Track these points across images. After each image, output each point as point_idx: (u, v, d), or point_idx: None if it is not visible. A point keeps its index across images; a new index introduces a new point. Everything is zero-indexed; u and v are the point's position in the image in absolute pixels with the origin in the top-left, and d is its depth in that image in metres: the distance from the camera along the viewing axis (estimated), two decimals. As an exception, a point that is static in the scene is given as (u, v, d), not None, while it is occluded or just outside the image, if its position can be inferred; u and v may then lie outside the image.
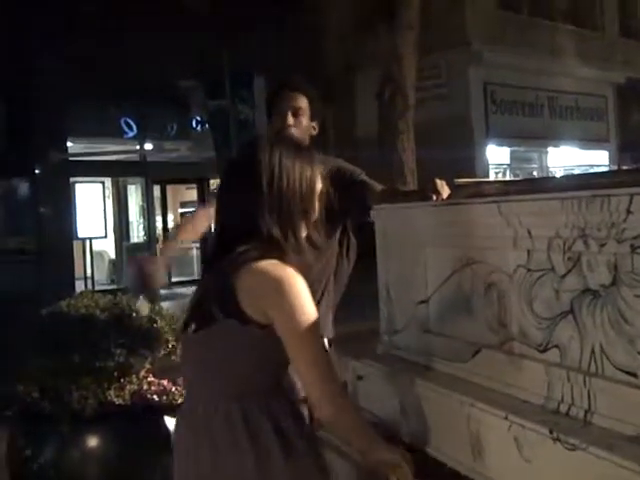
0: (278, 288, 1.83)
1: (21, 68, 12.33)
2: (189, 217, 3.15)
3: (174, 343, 3.79)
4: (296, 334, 1.82)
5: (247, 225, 1.91)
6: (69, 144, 15.17)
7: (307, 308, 1.84)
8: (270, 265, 1.85)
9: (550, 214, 1.92)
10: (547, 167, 17.28)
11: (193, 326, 1.94)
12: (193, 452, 1.92)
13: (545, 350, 2.00)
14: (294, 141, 2.07)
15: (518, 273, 2.10)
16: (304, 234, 1.97)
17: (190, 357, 1.98)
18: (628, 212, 1.69)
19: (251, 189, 1.91)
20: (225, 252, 1.91)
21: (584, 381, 1.85)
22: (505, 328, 2.17)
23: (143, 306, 3.61)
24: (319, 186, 1.99)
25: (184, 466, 1.97)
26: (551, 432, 1.77)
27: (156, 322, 3.74)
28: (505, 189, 2.41)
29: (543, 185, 2.27)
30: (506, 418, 1.92)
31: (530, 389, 2.02)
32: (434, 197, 2.48)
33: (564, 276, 1.92)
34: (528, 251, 2.06)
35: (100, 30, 12.48)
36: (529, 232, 2.03)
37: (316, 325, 1.84)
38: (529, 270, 2.06)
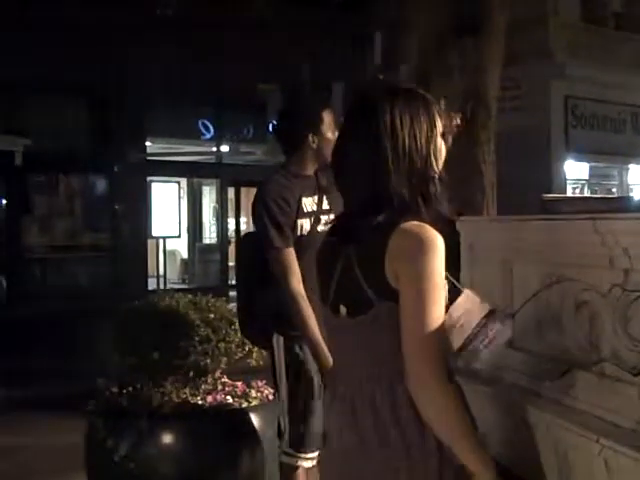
0: (416, 245, 1.76)
1: (104, 68, 12.60)
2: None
3: (250, 347, 3.82)
4: (417, 295, 1.74)
5: (374, 194, 1.84)
6: (147, 144, 15.44)
7: (438, 273, 1.76)
8: (415, 226, 1.79)
9: (650, 234, 1.87)
10: (627, 184, 16.88)
11: (344, 310, 1.87)
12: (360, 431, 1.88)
13: (639, 374, 1.95)
14: (411, 93, 1.94)
15: (613, 293, 2.05)
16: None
17: (348, 342, 1.91)
18: None
19: (375, 154, 1.83)
20: (354, 224, 1.85)
21: (680, 408, 1.80)
22: (596, 349, 2.12)
23: None
24: (438, 128, 1.91)
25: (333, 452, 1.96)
26: (645, 458, 1.72)
27: (234, 324, 3.77)
28: (600, 206, 2.36)
29: (642, 204, 2.22)
30: (597, 441, 1.87)
31: (621, 412, 1.97)
32: None
33: (663, 298, 1.87)
34: (625, 270, 2.00)
35: (181, 32, 12.69)
36: (626, 251, 1.97)
37: (440, 293, 1.77)
38: (625, 290, 2.00)
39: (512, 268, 2.58)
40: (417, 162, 1.87)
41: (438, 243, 1.78)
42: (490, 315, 1.91)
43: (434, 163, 1.91)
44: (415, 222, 1.81)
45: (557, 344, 2.30)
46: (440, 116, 1.94)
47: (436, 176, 1.91)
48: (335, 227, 2.05)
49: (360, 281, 1.81)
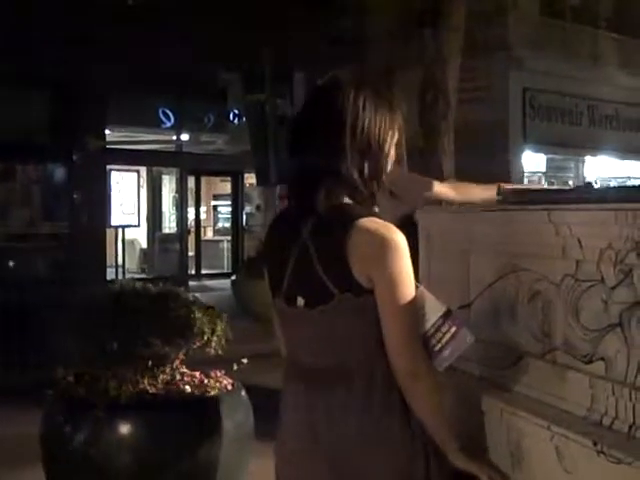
0: (385, 249, 1.81)
1: (63, 57, 12.44)
2: None
3: (209, 335, 3.82)
4: (394, 297, 1.82)
5: (331, 177, 1.87)
6: (107, 132, 15.29)
7: (408, 272, 1.85)
8: (376, 224, 1.84)
9: (603, 225, 1.90)
10: (584, 176, 17.11)
11: (302, 301, 1.89)
12: (313, 419, 1.92)
13: (590, 362, 1.99)
14: (375, 82, 1.98)
15: (565, 283, 2.09)
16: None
17: (305, 332, 1.94)
18: (684, 227, 1.68)
19: (334, 138, 1.86)
20: (309, 209, 1.87)
21: (630, 395, 1.84)
22: (549, 337, 2.16)
23: None
24: (396, 134, 1.95)
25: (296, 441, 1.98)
26: (595, 444, 1.76)
27: (193, 313, 3.76)
28: (555, 197, 2.40)
29: (596, 195, 2.26)
30: (549, 428, 1.91)
31: (573, 400, 2.01)
32: None
33: (614, 288, 1.90)
34: (577, 261, 2.04)
35: (142, 21, 12.58)
36: (579, 242, 2.01)
37: (412, 290, 1.85)
38: (577, 280, 2.04)
39: (469, 258, 2.61)
40: (373, 148, 1.90)
41: (402, 242, 1.84)
42: (446, 316, 1.96)
43: (387, 157, 1.95)
44: (374, 219, 1.85)
45: (511, 333, 2.33)
46: (400, 124, 1.97)
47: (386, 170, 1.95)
48: (284, 216, 2.06)
49: (319, 274, 1.84)
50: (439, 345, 1.93)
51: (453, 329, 1.94)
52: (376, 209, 1.94)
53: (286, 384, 2.03)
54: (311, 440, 1.92)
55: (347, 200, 1.89)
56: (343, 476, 1.89)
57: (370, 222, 1.84)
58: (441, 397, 1.91)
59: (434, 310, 1.96)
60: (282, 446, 2.04)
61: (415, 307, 1.88)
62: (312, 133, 1.91)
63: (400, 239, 1.83)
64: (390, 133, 1.93)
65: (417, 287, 1.92)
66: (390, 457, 1.88)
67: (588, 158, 17.26)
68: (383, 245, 1.81)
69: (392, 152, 1.97)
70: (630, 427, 1.82)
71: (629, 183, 16.22)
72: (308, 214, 1.89)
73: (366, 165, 1.88)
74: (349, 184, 1.87)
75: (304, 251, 1.88)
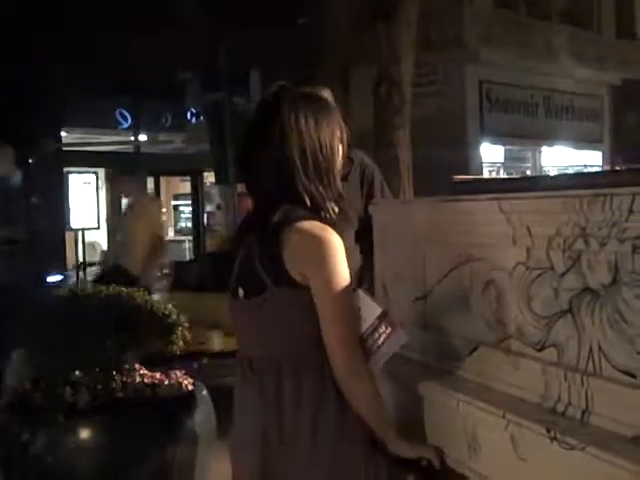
0: (318, 248, 1.89)
1: (16, 57, 12.27)
2: None
3: (173, 336, 3.79)
4: (329, 296, 1.89)
5: (282, 190, 1.96)
6: (63, 134, 15.10)
7: (343, 271, 1.91)
8: (312, 225, 1.91)
9: (551, 212, 1.91)
10: (541, 166, 17.28)
11: (242, 292, 1.99)
12: (251, 408, 2.01)
13: (542, 349, 2.00)
14: (314, 97, 2.09)
15: (517, 271, 2.10)
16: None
17: (244, 323, 2.04)
18: (630, 212, 1.68)
19: (282, 154, 1.95)
20: (263, 216, 1.96)
21: (582, 381, 1.85)
22: (503, 326, 2.17)
23: None
24: (339, 146, 2.05)
25: (244, 422, 2.06)
26: (548, 431, 1.77)
27: (150, 314, 3.72)
28: (505, 187, 2.41)
29: (544, 183, 2.27)
30: (503, 416, 1.92)
31: (527, 388, 2.02)
32: None
33: (563, 275, 1.91)
34: (527, 249, 2.05)
35: (97, 21, 12.45)
36: (529, 230, 2.02)
37: (349, 289, 1.92)
38: (528, 268, 2.05)
39: (424, 250, 2.62)
40: (322, 162, 1.99)
41: (337, 242, 1.92)
42: (382, 317, 2.04)
43: (336, 164, 2.04)
44: (312, 221, 1.93)
45: (467, 323, 2.34)
46: (340, 122, 2.06)
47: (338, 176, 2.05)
48: (245, 220, 2.17)
49: (258, 268, 1.93)
50: (375, 345, 2.02)
51: (388, 329, 2.02)
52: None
53: (237, 376, 2.11)
54: (252, 433, 1.99)
55: (297, 209, 1.96)
56: (285, 468, 1.95)
57: (307, 224, 1.92)
58: (377, 390, 1.99)
59: (371, 312, 2.05)
60: (233, 439, 2.13)
61: (351, 305, 1.95)
62: (263, 151, 1.98)
63: (334, 239, 1.92)
64: (333, 137, 2.02)
65: (355, 289, 2.01)
66: (324, 449, 1.93)
67: (545, 148, 17.43)
68: (315, 244, 1.89)
69: (339, 164, 2.06)
70: (583, 413, 1.83)
71: (585, 171, 16.42)
72: (259, 219, 2.00)
73: (318, 180, 1.98)
74: (302, 198, 1.96)
75: (249, 249, 1.98)
